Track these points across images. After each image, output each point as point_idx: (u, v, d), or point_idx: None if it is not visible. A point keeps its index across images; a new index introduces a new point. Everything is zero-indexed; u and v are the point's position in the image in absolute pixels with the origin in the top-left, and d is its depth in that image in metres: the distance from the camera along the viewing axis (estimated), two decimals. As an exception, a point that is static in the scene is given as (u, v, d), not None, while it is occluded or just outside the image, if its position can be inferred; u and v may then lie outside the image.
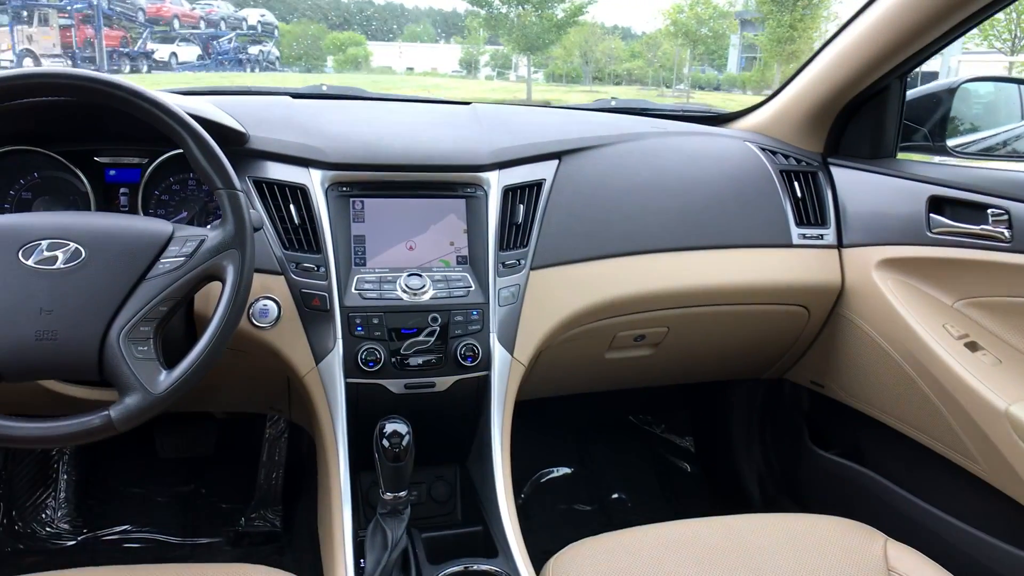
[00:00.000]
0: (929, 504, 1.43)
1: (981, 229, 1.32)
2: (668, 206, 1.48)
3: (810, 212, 1.57)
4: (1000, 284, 1.31)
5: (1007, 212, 1.28)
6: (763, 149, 1.63)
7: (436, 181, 1.31)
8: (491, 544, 1.14)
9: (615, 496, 2.04)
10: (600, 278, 1.39)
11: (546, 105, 1.82)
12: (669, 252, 1.45)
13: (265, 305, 1.19)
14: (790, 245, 1.54)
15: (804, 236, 1.55)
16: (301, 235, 1.23)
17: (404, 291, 1.22)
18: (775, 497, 1.92)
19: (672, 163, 1.54)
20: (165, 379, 0.93)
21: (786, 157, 1.63)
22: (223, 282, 0.98)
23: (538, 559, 1.84)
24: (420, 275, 1.24)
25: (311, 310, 1.21)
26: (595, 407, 2.02)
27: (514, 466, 2.06)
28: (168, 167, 1.27)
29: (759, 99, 1.80)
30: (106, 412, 0.91)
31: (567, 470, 2.08)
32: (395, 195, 1.29)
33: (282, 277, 1.21)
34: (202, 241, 0.99)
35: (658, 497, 2.05)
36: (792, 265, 1.53)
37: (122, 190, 1.28)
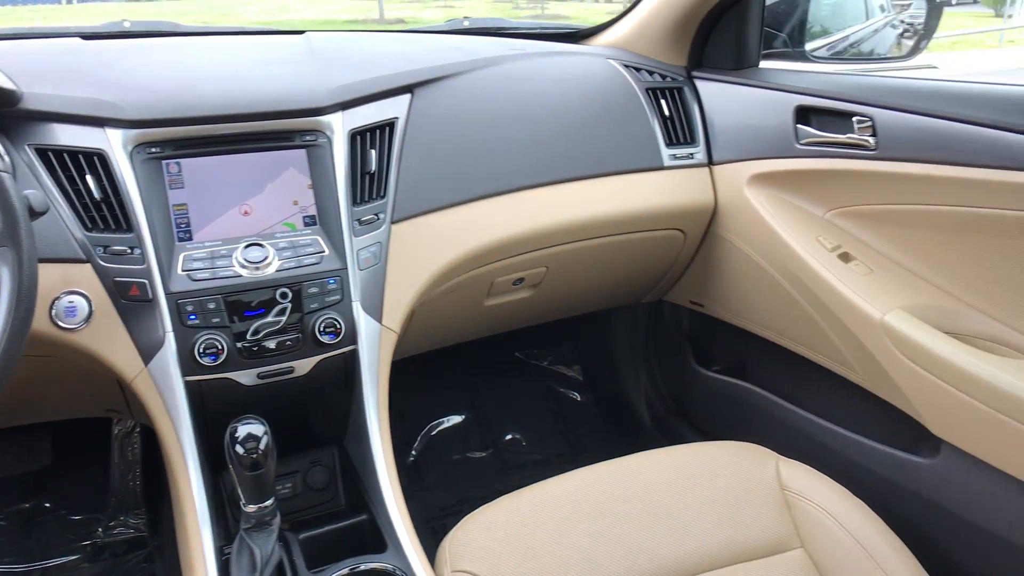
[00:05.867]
0: (813, 415, 1.45)
1: (847, 137, 1.29)
2: (534, 138, 1.36)
3: (679, 130, 1.50)
4: (868, 192, 1.30)
5: (871, 119, 1.25)
6: (627, 66, 1.53)
7: (267, 131, 1.12)
8: (379, 536, 1.03)
9: (508, 437, 1.98)
10: (470, 224, 1.27)
11: (392, 30, 1.63)
12: (540, 187, 1.35)
13: (71, 302, 0.98)
14: (662, 167, 1.47)
15: (675, 156, 1.49)
16: (105, 211, 1.02)
17: (243, 265, 1.05)
18: (664, 418, 1.92)
19: (534, 89, 1.42)
20: None
21: (651, 73, 1.54)
22: None
23: (435, 519, 1.79)
24: (261, 244, 1.07)
25: (130, 301, 1.01)
26: (481, 349, 1.93)
27: (404, 424, 1.96)
28: None
29: (617, 9, 1.69)
30: None
31: (458, 418, 1.99)
32: (219, 151, 1.10)
33: (88, 265, 1.00)
34: None
35: (552, 432, 2.02)
36: (666, 188, 1.47)
37: None
